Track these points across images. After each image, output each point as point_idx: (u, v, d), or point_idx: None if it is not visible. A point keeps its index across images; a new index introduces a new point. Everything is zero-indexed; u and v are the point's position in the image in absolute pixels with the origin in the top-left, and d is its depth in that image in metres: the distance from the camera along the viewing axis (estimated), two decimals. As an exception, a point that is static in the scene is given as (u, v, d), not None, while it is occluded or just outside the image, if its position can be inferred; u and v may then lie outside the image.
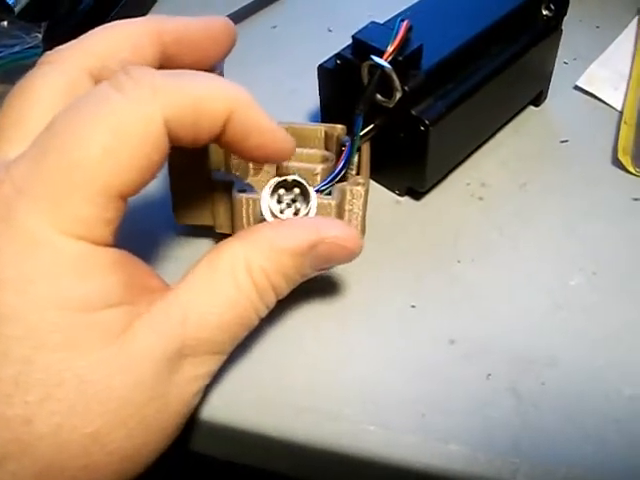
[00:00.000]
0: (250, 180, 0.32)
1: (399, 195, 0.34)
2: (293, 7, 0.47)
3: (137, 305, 0.22)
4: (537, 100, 0.38)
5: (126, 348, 0.21)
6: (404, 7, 0.34)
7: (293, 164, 0.30)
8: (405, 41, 0.30)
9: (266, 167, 0.32)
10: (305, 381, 0.27)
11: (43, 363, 0.20)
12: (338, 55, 0.32)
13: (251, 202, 0.28)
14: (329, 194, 0.29)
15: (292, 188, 0.26)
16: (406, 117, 0.30)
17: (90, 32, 0.26)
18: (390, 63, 0.29)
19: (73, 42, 0.26)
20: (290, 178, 0.26)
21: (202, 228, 0.31)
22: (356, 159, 0.31)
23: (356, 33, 0.30)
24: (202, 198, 0.29)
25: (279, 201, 0.26)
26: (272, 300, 0.24)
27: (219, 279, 0.23)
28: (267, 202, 0.26)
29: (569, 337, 0.28)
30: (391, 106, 0.30)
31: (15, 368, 0.19)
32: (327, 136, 0.32)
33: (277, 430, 0.26)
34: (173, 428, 0.22)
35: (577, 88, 0.39)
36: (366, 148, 0.32)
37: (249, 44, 0.43)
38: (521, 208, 0.33)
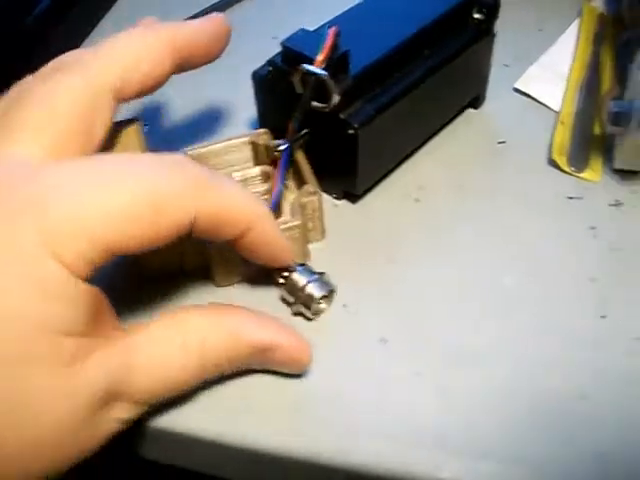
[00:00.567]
0: None
1: (336, 199, 0.34)
2: (241, 14, 0.47)
3: (94, 340, 0.22)
4: (476, 102, 0.38)
5: (74, 379, 0.21)
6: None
7: None
8: (334, 47, 0.30)
9: None
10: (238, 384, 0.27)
11: None
12: (270, 62, 0.32)
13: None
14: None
15: None
16: (335, 121, 0.30)
17: (112, 39, 0.27)
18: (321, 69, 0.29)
19: (96, 49, 0.27)
20: None
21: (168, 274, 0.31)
22: (295, 168, 0.32)
23: (285, 40, 0.31)
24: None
25: None
26: (212, 375, 0.26)
27: (173, 342, 0.24)
28: None
29: (499, 336, 0.29)
30: (328, 110, 0.30)
31: None
32: (254, 145, 0.32)
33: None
34: (72, 459, 0.22)
35: (516, 90, 0.40)
36: (301, 155, 0.32)
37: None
38: (457, 209, 0.34)
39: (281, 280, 0.29)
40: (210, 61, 0.30)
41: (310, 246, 0.32)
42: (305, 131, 0.31)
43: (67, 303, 0.21)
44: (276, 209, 0.30)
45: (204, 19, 0.29)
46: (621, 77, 0.38)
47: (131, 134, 0.29)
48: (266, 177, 0.32)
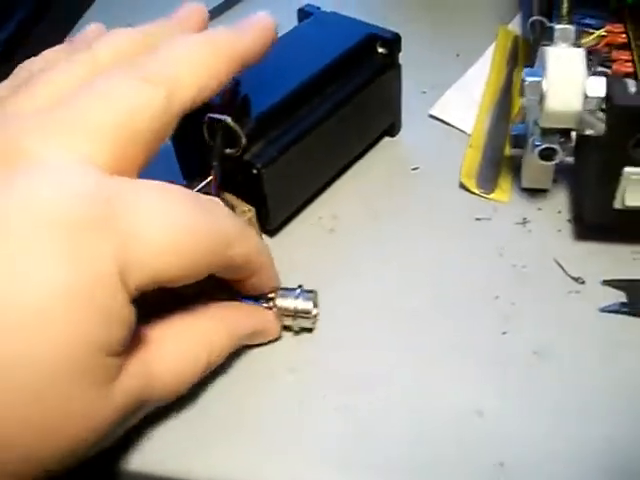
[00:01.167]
0: None
1: (255, 234, 0.35)
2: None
3: (124, 355, 0.23)
4: (391, 131, 0.40)
5: (111, 397, 0.22)
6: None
7: None
8: (234, 92, 0.32)
9: None
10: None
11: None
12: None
13: None
14: None
15: None
16: (240, 163, 0.32)
17: (170, 47, 0.26)
18: (224, 114, 0.31)
19: (154, 55, 0.26)
20: None
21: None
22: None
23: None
24: None
25: None
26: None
27: (187, 353, 0.26)
28: None
29: (404, 357, 0.30)
30: (238, 154, 0.32)
31: None
32: None
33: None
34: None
35: (432, 116, 0.41)
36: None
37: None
38: (370, 237, 0.35)
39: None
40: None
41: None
42: (210, 178, 0.32)
43: (123, 327, 0.22)
44: None
45: (256, 24, 0.29)
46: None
47: None
48: None
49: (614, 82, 0.29)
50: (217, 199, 0.28)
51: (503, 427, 0.27)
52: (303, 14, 0.39)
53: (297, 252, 0.35)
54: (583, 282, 0.32)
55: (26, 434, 0.20)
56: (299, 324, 0.30)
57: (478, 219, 0.35)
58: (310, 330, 0.31)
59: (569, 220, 0.35)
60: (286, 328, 0.31)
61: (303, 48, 0.35)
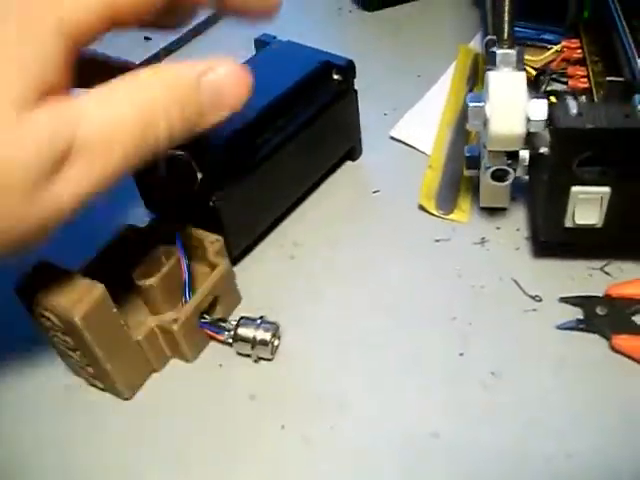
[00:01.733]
0: None
1: (218, 263, 0.36)
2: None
3: (48, 97, 0.22)
4: (352, 155, 0.40)
5: (22, 126, 0.21)
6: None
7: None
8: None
9: None
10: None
11: None
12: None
13: None
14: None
15: None
16: (198, 196, 0.32)
17: None
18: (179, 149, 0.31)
19: None
20: None
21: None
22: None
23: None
24: None
25: None
26: (162, 132, 0.24)
27: (122, 99, 0.23)
28: None
29: (363, 381, 0.30)
30: (196, 189, 0.32)
31: None
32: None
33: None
34: (24, 230, 0.22)
35: (392, 138, 0.42)
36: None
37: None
38: (330, 262, 0.35)
39: (229, 340, 0.31)
40: None
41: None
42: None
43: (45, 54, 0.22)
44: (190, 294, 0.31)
45: None
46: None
47: None
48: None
49: (555, 105, 0.29)
50: None
51: (459, 449, 0.28)
52: (260, 43, 0.39)
53: (259, 279, 0.35)
54: (540, 300, 0.33)
55: None
56: (257, 353, 0.31)
57: (437, 240, 0.36)
58: (269, 360, 0.31)
59: (527, 238, 0.35)
60: (247, 356, 0.31)
61: (259, 77, 0.35)
